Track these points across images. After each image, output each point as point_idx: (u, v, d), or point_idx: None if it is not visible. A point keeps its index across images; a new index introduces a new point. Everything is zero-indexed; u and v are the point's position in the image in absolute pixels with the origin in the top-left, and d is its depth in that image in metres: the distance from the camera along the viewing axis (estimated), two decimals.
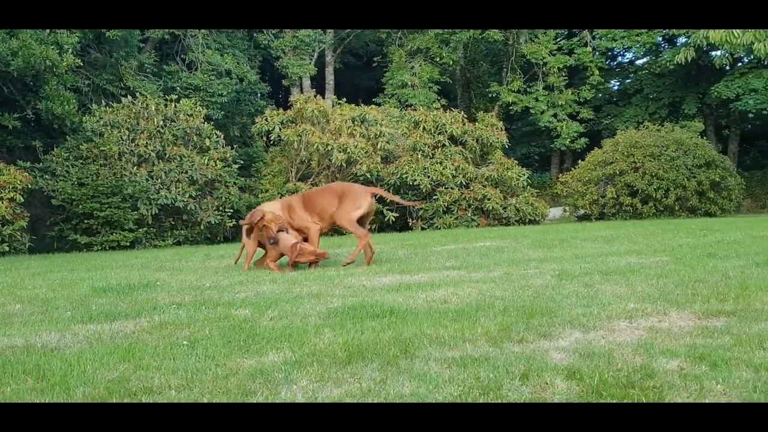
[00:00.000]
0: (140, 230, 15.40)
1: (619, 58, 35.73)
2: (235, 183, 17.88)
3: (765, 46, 16.41)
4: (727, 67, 26.25)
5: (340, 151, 17.59)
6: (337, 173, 18.23)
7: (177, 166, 16.45)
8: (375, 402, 2.80)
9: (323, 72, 30.00)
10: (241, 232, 8.56)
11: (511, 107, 30.18)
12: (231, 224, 16.83)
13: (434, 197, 18.39)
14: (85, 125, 16.42)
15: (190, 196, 16.21)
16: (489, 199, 18.29)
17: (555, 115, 29.72)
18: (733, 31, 15.80)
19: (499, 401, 2.76)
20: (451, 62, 29.40)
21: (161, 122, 16.89)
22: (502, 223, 18.50)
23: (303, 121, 18.48)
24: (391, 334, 3.91)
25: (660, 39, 30.75)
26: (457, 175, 18.52)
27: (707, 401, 2.70)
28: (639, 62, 33.42)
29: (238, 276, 7.32)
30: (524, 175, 19.53)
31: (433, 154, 18.93)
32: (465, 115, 20.66)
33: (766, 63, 26.51)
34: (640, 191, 19.84)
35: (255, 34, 28.23)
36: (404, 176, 18.22)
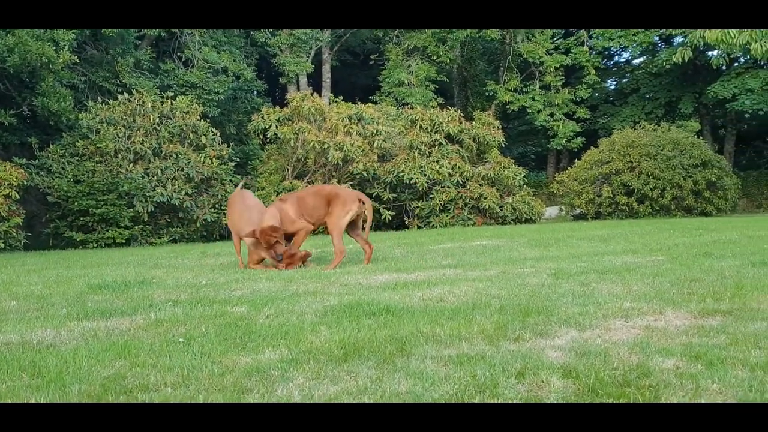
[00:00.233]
0: (136, 228, 15.39)
1: (616, 58, 35.79)
2: (231, 181, 17.86)
3: (761, 46, 16.42)
4: (724, 67, 26.21)
5: (336, 150, 17.58)
6: (333, 171, 18.22)
7: (173, 164, 16.43)
8: (372, 401, 2.80)
9: (320, 70, 29.98)
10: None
11: (507, 106, 30.21)
12: (227, 222, 16.79)
13: (431, 196, 18.41)
14: (81, 122, 16.40)
15: (186, 194, 16.20)
16: (485, 198, 18.31)
17: (551, 115, 29.75)
18: (730, 31, 15.81)
19: (496, 399, 2.76)
20: (448, 61, 29.40)
21: (157, 119, 16.88)
22: (498, 221, 18.53)
23: (299, 119, 18.47)
24: (387, 332, 3.91)
25: (657, 39, 30.79)
26: (454, 173, 18.53)
27: (703, 400, 2.70)
28: (636, 62, 33.46)
29: (234, 274, 7.31)
30: (521, 174, 19.56)
31: (429, 153, 18.94)
32: (462, 114, 20.67)
33: (762, 63, 26.58)
34: (636, 191, 19.87)
35: (252, 32, 28.18)
36: (401, 175, 18.23)
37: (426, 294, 5.26)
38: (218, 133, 18.26)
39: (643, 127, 22.05)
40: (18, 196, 13.83)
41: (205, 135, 17.53)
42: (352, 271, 7.03)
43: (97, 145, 15.97)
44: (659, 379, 2.93)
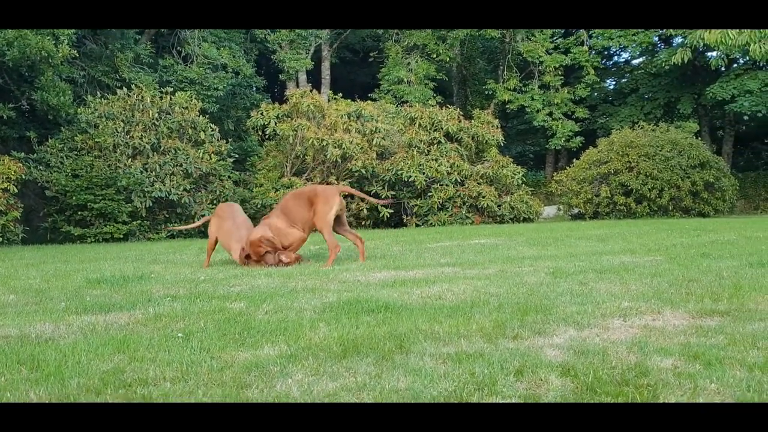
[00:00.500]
0: (134, 223, 15.38)
1: (615, 58, 35.82)
2: (229, 177, 17.85)
3: (760, 47, 16.45)
4: (723, 69, 26.29)
5: (335, 147, 17.57)
6: (332, 169, 18.23)
7: (171, 159, 16.42)
8: (371, 397, 2.80)
9: (319, 67, 29.97)
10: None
11: (506, 105, 30.22)
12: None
13: (429, 194, 18.40)
14: (80, 116, 16.37)
15: (185, 189, 16.19)
16: (484, 197, 18.31)
17: (550, 114, 29.77)
18: (729, 32, 15.83)
19: (494, 397, 2.77)
20: (448, 59, 29.40)
21: (156, 114, 16.86)
22: (496, 220, 18.53)
23: (298, 116, 18.46)
24: (386, 329, 3.91)
25: (656, 39, 30.81)
26: (452, 172, 18.53)
27: (701, 400, 2.71)
28: (635, 62, 33.50)
29: (232, 269, 7.32)
30: (519, 173, 19.56)
31: (428, 151, 18.94)
32: (461, 113, 20.67)
33: (761, 65, 26.61)
34: (634, 191, 19.90)
35: None
36: (399, 173, 18.22)
37: (425, 292, 5.27)
38: (217, 129, 18.24)
39: (641, 128, 22.07)
40: (16, 190, 13.82)
41: (203, 131, 17.50)
42: (350, 268, 7.03)
43: (96, 140, 15.96)
44: (657, 378, 2.94)
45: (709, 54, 26.57)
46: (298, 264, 7.65)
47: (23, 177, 14.33)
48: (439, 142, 19.13)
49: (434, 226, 17.68)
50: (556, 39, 30.84)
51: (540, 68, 29.91)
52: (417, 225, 18.25)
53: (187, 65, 23.29)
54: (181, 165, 16.41)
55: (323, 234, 7.74)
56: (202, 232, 16.82)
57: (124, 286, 6.01)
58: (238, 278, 6.48)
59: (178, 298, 5.27)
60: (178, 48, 23.90)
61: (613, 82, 35.20)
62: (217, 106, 22.44)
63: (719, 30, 15.82)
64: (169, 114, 17.18)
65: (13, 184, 13.73)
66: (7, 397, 2.84)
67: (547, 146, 31.70)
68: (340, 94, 22.34)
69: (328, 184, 17.97)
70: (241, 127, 23.82)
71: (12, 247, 12.81)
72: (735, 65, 27.99)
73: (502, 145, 21.45)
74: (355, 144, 17.75)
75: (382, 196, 18.25)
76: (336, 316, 4.36)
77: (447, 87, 33.06)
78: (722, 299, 4.61)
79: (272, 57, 29.19)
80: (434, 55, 29.11)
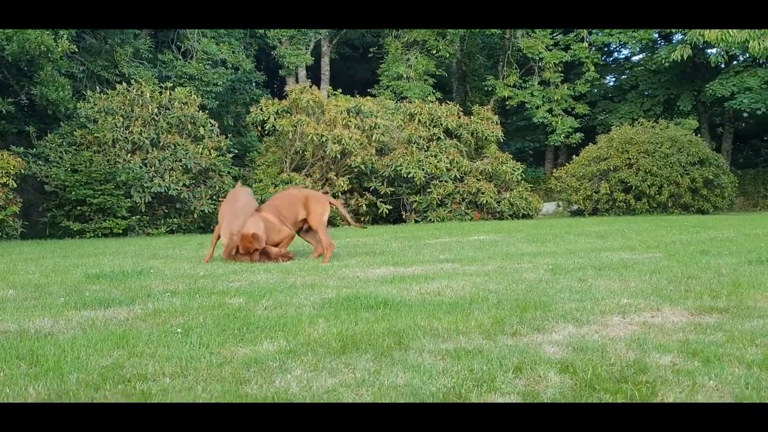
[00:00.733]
0: (133, 218, 15.37)
1: (615, 54, 35.81)
2: (229, 172, 17.83)
3: (759, 44, 16.45)
4: (723, 65, 26.31)
5: (334, 143, 17.56)
6: (331, 164, 18.22)
7: (171, 154, 16.40)
8: (370, 393, 2.81)
9: (319, 62, 29.93)
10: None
11: (506, 101, 30.19)
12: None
13: (428, 190, 18.40)
14: (79, 111, 16.35)
15: (184, 185, 16.17)
16: (483, 193, 18.31)
17: (550, 110, 29.74)
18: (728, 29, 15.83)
19: (493, 393, 2.77)
20: (448, 55, 29.36)
21: (156, 110, 16.83)
22: (495, 217, 18.54)
23: (298, 112, 18.45)
24: (385, 325, 3.92)
25: (656, 35, 30.80)
26: (452, 168, 18.54)
27: (700, 397, 2.71)
28: (635, 58, 33.49)
29: (232, 265, 7.31)
30: (518, 169, 19.56)
31: (427, 147, 18.94)
32: (460, 109, 20.67)
33: (761, 62, 26.59)
34: (633, 187, 19.91)
35: None
36: (398, 169, 18.22)
37: (423, 288, 5.27)
38: (216, 125, 18.22)
39: (641, 124, 22.07)
40: (15, 185, 13.79)
41: (203, 126, 17.48)
42: (349, 265, 7.04)
43: (95, 135, 15.94)
44: (656, 375, 2.94)
45: (708, 51, 26.56)
46: (289, 261, 7.61)
47: (22, 172, 14.31)
48: (439, 138, 19.13)
49: (433, 222, 17.69)
50: (556, 35, 30.80)
51: (540, 64, 29.87)
52: (416, 221, 18.26)
53: (186, 61, 23.25)
54: (180, 160, 16.40)
55: (319, 233, 7.88)
56: (202, 227, 16.84)
57: (123, 282, 6.01)
58: (237, 274, 6.48)
59: (177, 293, 5.27)
60: (178, 43, 23.85)
61: (613, 79, 35.20)
62: (217, 102, 22.39)
63: None
64: (169, 109, 17.15)
65: (12, 179, 13.70)
66: (6, 392, 2.84)
67: (546, 142, 31.68)
68: (340, 90, 22.29)
69: (327, 180, 17.99)
70: (240, 123, 23.79)
71: (11, 242, 12.80)
72: (735, 62, 27.97)
73: (502, 141, 21.45)
74: (354, 140, 17.74)
75: (381, 192, 18.25)
76: (335, 312, 4.36)
77: (447, 83, 33.03)
78: (721, 296, 4.62)
79: (272, 53, 29.15)
80: (434, 51, 29.07)
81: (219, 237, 8.17)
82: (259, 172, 19.17)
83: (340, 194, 17.59)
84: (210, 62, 23.26)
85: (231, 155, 18.34)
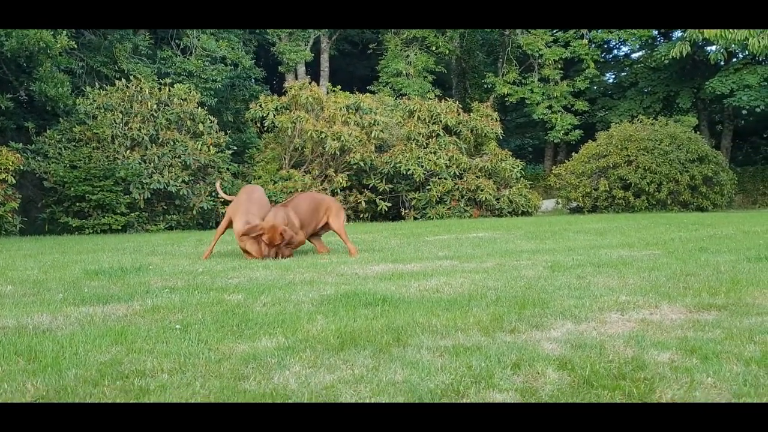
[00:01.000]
0: (132, 214, 15.37)
1: (615, 51, 35.79)
2: (228, 169, 17.83)
3: (759, 41, 16.45)
4: (722, 63, 26.29)
5: (333, 139, 17.55)
6: (330, 161, 18.21)
7: (170, 151, 16.40)
8: (368, 390, 2.81)
9: (318, 59, 29.92)
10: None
11: (506, 98, 30.17)
12: (223, 210, 16.78)
13: (427, 187, 18.40)
14: (78, 107, 16.34)
15: (183, 181, 16.16)
16: (482, 190, 18.30)
17: (550, 107, 29.72)
18: None
19: (491, 390, 2.77)
20: (447, 52, 29.33)
21: (155, 106, 16.82)
22: (494, 214, 18.53)
23: (297, 108, 18.43)
24: (383, 322, 3.92)
25: (656, 33, 30.77)
26: (451, 165, 18.52)
27: (698, 394, 2.71)
28: (634, 55, 33.48)
29: (230, 261, 7.31)
30: (518, 166, 19.54)
31: (427, 144, 18.93)
32: (460, 106, 20.63)
33: (760, 59, 26.56)
34: (632, 185, 19.90)
35: None
36: (398, 165, 18.21)
37: (422, 285, 5.27)
38: (216, 121, 18.20)
39: (640, 121, 22.06)
40: (14, 181, 13.79)
41: (202, 122, 17.47)
42: (348, 261, 7.04)
43: (94, 131, 15.93)
44: (654, 372, 2.94)
45: (708, 48, 26.54)
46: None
47: (21, 168, 14.31)
48: (438, 135, 19.12)
49: (432, 219, 17.69)
50: (556, 32, 30.77)
51: (539, 61, 29.84)
52: (415, 218, 18.26)
53: (185, 57, 23.21)
54: (179, 157, 16.39)
55: (341, 237, 8.16)
56: (201, 224, 16.85)
57: (122, 278, 6.00)
58: (236, 270, 6.49)
59: (176, 289, 5.27)
60: (177, 40, 23.80)
61: (613, 76, 35.18)
62: (216, 99, 22.35)
63: None
64: (168, 105, 17.14)
65: (11, 175, 13.70)
66: (4, 388, 2.84)
67: (546, 139, 31.66)
68: (339, 87, 22.30)
69: (326, 176, 17.99)
70: (239, 119, 23.75)
71: (10, 238, 12.80)
72: (734, 60, 27.94)
73: (501, 138, 21.43)
74: (353, 136, 17.73)
75: (380, 189, 18.24)
76: (334, 308, 4.36)
77: (446, 80, 33.01)
78: (720, 293, 4.62)
79: (271, 49, 29.11)
80: (433, 48, 29.05)
81: (223, 231, 8.15)
82: (258, 169, 19.16)
83: (339, 191, 17.60)
84: (209, 59, 23.22)
85: (230, 152, 18.33)
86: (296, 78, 27.36)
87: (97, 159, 15.32)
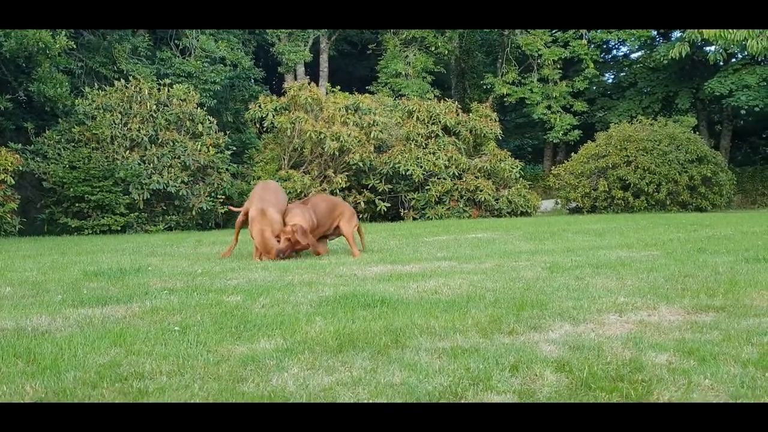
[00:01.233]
0: (131, 215, 15.38)
1: (614, 51, 35.78)
2: (227, 169, 17.83)
3: (758, 42, 16.45)
4: (721, 63, 26.29)
5: (333, 140, 17.54)
6: (329, 162, 18.20)
7: (169, 151, 16.40)
8: (366, 392, 2.81)
9: (317, 59, 29.91)
10: (235, 219, 8.56)
11: (505, 99, 30.15)
12: (223, 211, 16.80)
13: (426, 187, 18.39)
14: (77, 108, 16.35)
15: (182, 182, 16.17)
16: (481, 191, 18.29)
17: (549, 107, 29.69)
18: None
19: (489, 392, 2.78)
20: (446, 52, 29.31)
21: (154, 107, 16.83)
22: (493, 214, 18.52)
23: (296, 109, 18.42)
24: (382, 323, 3.92)
25: (655, 33, 30.78)
26: (450, 165, 18.51)
27: (695, 395, 2.72)
28: (634, 56, 33.47)
29: (229, 263, 7.32)
30: (517, 166, 19.53)
31: (426, 144, 18.91)
32: (459, 106, 20.60)
33: (759, 60, 26.58)
34: (632, 185, 19.90)
35: None
36: (397, 166, 18.20)
37: (421, 286, 5.27)
38: (215, 122, 18.21)
39: (640, 122, 22.05)
40: (13, 182, 13.80)
41: (201, 123, 17.47)
42: (347, 262, 7.04)
43: (94, 132, 15.94)
44: (652, 374, 2.95)
45: (707, 48, 26.53)
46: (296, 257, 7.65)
47: (20, 168, 14.31)
48: (437, 135, 19.10)
49: (431, 219, 17.68)
50: (555, 32, 30.74)
51: (539, 61, 29.81)
52: (414, 218, 18.25)
53: (185, 58, 23.21)
54: (178, 157, 16.40)
55: (348, 240, 8.14)
56: (200, 224, 16.85)
57: (121, 279, 6.01)
58: (235, 272, 6.49)
59: (175, 291, 5.27)
60: (176, 41, 23.81)
61: (612, 76, 35.18)
62: (215, 100, 22.35)
63: None
64: (167, 106, 17.15)
65: (10, 176, 13.71)
66: (2, 389, 2.84)
67: (545, 139, 31.64)
68: (338, 87, 22.27)
69: (325, 177, 17.98)
70: (239, 120, 23.77)
71: (9, 239, 12.80)
72: (733, 60, 27.96)
73: (500, 138, 21.41)
74: (352, 137, 17.72)
75: (379, 190, 18.23)
76: (332, 310, 4.36)
77: (445, 80, 32.99)
78: (718, 295, 4.62)
79: (271, 49, 29.11)
80: (432, 48, 29.02)
81: (241, 225, 8.14)
82: (257, 169, 19.15)
83: (338, 191, 17.59)
84: (208, 59, 23.22)
85: (229, 152, 18.34)
86: (295, 78, 27.35)
87: (97, 159, 15.33)
